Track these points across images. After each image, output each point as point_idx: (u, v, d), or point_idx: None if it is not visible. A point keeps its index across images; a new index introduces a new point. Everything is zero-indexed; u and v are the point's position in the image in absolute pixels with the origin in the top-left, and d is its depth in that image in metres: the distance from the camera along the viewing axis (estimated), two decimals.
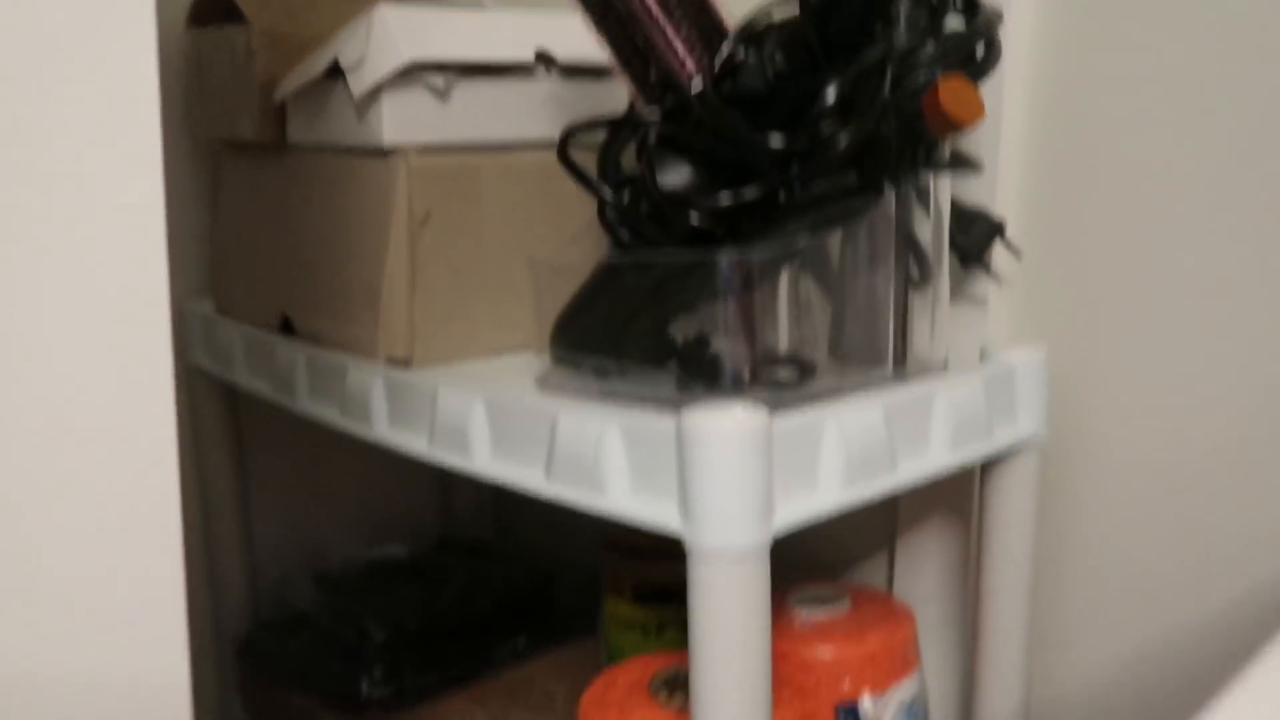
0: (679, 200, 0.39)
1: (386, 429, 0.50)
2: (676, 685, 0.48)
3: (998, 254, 0.53)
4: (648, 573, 0.62)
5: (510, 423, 0.43)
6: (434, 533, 0.91)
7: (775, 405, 0.37)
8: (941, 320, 0.47)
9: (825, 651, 0.51)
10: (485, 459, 0.44)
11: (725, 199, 0.37)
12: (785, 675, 0.50)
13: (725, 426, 0.34)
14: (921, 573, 0.61)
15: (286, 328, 0.61)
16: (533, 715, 0.70)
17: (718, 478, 0.34)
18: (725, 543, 0.35)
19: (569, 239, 0.53)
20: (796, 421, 0.37)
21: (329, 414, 0.55)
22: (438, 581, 0.74)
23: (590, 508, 0.39)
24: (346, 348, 0.54)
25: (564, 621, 0.76)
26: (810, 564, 0.68)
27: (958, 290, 0.56)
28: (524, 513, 0.93)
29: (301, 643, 0.70)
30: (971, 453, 0.45)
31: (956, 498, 0.58)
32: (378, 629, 0.67)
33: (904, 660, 0.53)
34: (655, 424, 0.37)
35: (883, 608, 0.56)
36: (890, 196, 0.40)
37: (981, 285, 0.54)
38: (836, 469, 0.38)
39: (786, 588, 0.56)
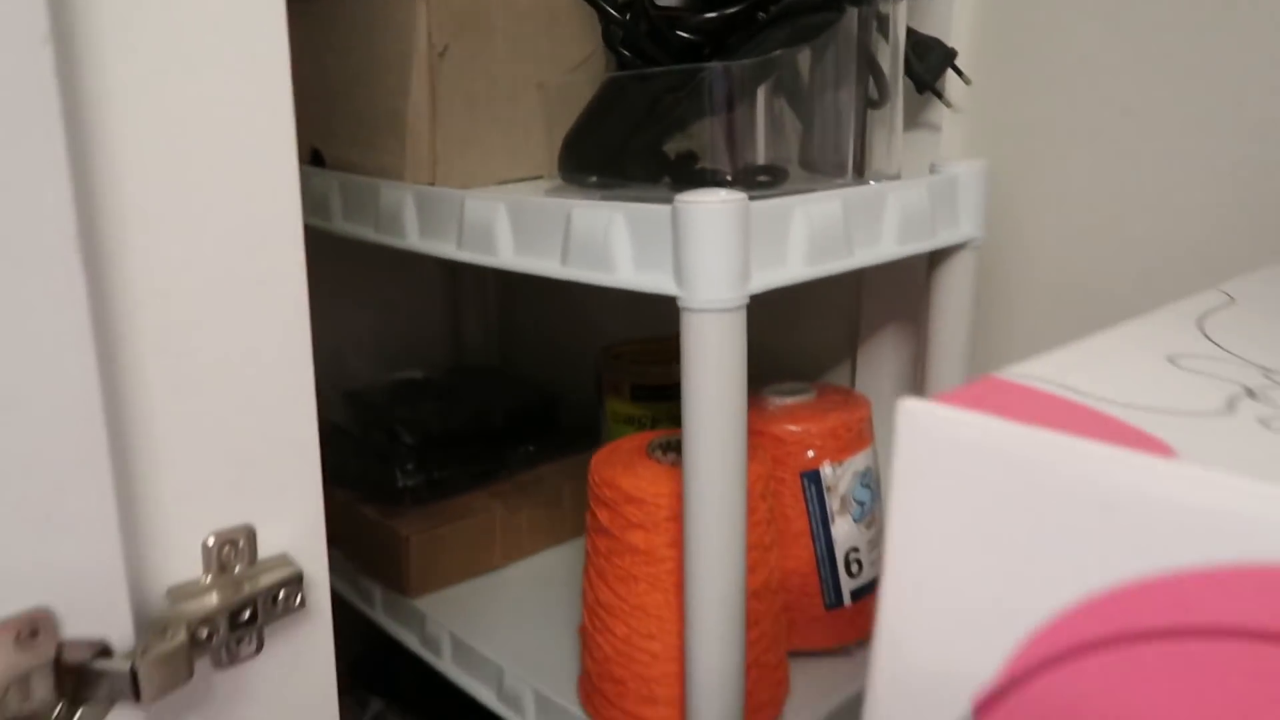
0: (672, 17, 0.46)
1: (418, 239, 0.58)
2: (670, 448, 0.57)
3: (951, 81, 0.60)
4: (643, 375, 0.71)
5: (530, 220, 0.50)
6: (445, 363, 1.00)
7: (753, 199, 0.45)
8: (896, 136, 0.55)
9: (792, 427, 0.61)
10: (509, 254, 0.52)
11: (711, 14, 0.45)
12: (759, 446, 0.59)
13: (712, 204, 0.42)
14: (878, 375, 0.71)
15: (316, 160, 0.69)
16: (541, 508, 0.80)
17: (705, 246, 0.43)
18: (712, 298, 0.43)
19: (575, 67, 0.60)
20: (769, 205, 0.45)
21: (364, 231, 0.62)
22: (454, 398, 0.84)
23: (602, 282, 0.47)
24: (375, 175, 0.62)
25: (567, 436, 0.85)
26: (784, 375, 0.78)
27: (913, 113, 0.64)
28: (525, 344, 1.02)
29: (338, 448, 0.80)
30: (916, 247, 0.53)
31: (910, 310, 0.67)
32: (406, 433, 0.77)
33: (859, 437, 0.63)
34: (654, 210, 0.45)
35: (843, 396, 0.65)
36: (852, 15, 0.47)
37: (935, 109, 0.62)
38: (801, 247, 0.47)
39: (763, 385, 0.66)
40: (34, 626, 0.28)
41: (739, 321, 0.44)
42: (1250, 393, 0.26)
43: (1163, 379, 0.27)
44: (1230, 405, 0.25)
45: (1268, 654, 0.20)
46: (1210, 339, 0.32)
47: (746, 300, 0.44)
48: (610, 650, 0.55)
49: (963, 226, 0.56)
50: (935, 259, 0.59)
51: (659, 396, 0.71)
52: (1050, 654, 0.23)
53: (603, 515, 0.55)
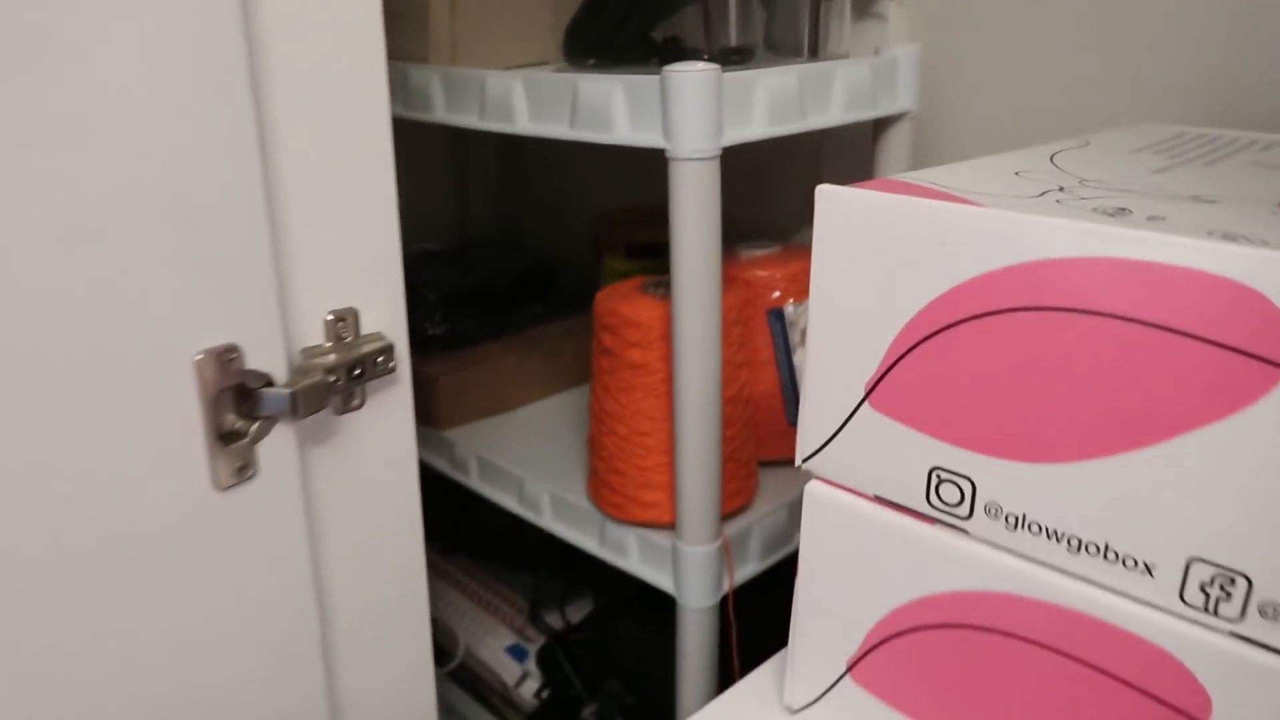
0: None
1: (444, 113, 0.69)
2: (660, 285, 0.70)
3: None
4: (636, 234, 0.83)
5: (542, 92, 0.62)
6: (454, 238, 1.12)
7: (725, 72, 0.56)
8: (845, 24, 0.66)
9: (761, 272, 0.73)
10: (525, 122, 0.63)
11: None
12: (733, 285, 0.72)
13: (693, 73, 0.54)
14: None
15: None
16: (546, 360, 0.93)
17: (688, 107, 0.54)
18: (693, 149, 0.55)
19: None
20: (738, 76, 0.57)
21: (394, 109, 0.73)
22: (467, 265, 0.95)
23: (603, 141, 0.58)
24: (401, 61, 0.72)
25: (566, 299, 0.98)
26: (755, 238, 0.90)
27: (864, 6, 0.74)
28: (525, 220, 1.14)
29: None
30: (859, 115, 0.65)
31: (860, 178, 0.79)
32: (430, 292, 0.89)
33: None
34: (646, 80, 0.56)
35: (804, 250, 0.77)
36: None
37: (882, 3, 0.73)
38: (764, 111, 0.58)
39: (737, 244, 0.78)
40: (229, 355, 0.40)
41: (714, 169, 0.56)
42: (1061, 189, 0.39)
43: (1003, 181, 0.39)
44: (1042, 194, 0.37)
45: (1038, 318, 0.33)
46: (1053, 163, 0.45)
47: (720, 151, 0.56)
48: (614, 449, 0.69)
49: (900, 100, 0.68)
50: (878, 130, 0.71)
51: (649, 253, 0.83)
52: (911, 341, 0.36)
53: (606, 339, 0.67)
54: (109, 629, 0.40)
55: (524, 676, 0.92)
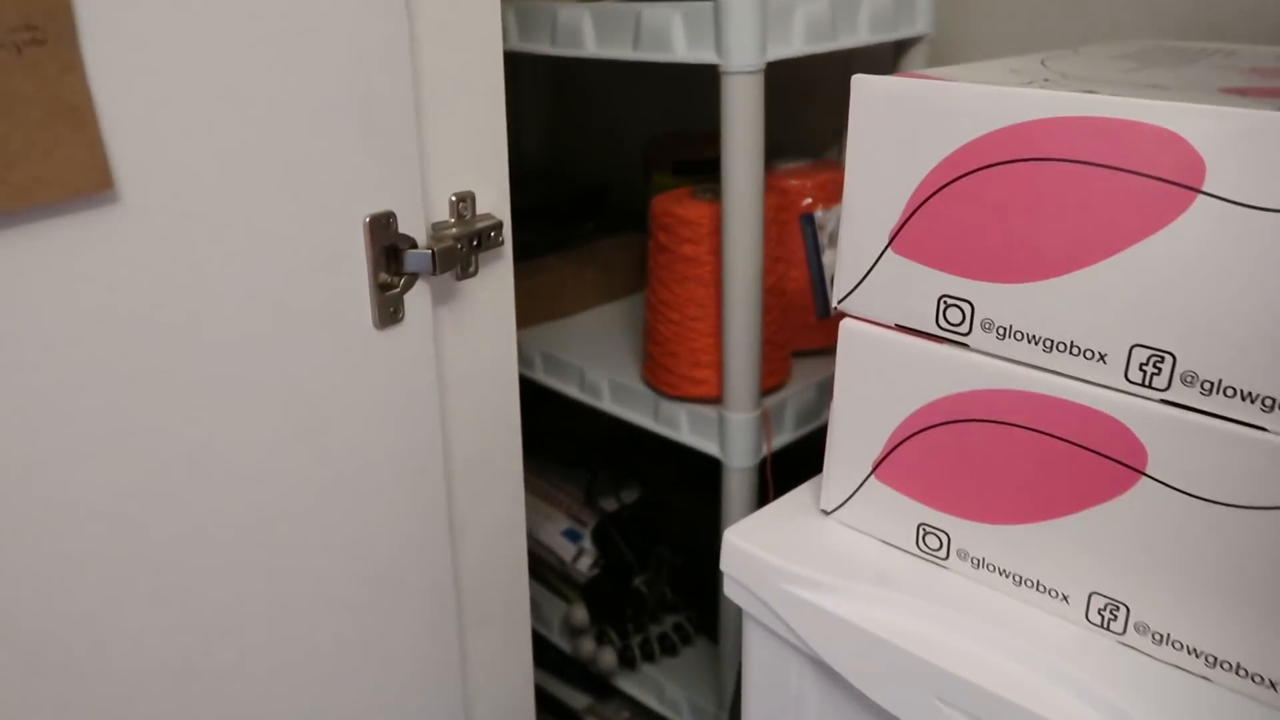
0: None
1: (517, 41, 0.79)
2: (708, 191, 0.80)
3: None
4: (682, 152, 0.93)
5: (608, 21, 0.72)
6: (511, 167, 1.22)
7: None
8: None
9: (794, 181, 0.84)
10: (592, 47, 0.73)
11: None
12: (771, 190, 0.82)
13: None
14: None
15: None
16: (601, 272, 1.04)
17: (737, 27, 0.64)
18: (742, 63, 0.65)
19: None
20: (779, 1, 0.66)
21: None
22: (525, 188, 1.06)
23: (664, 59, 0.69)
24: None
25: (618, 219, 1.08)
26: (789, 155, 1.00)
27: None
28: (577, 148, 1.24)
29: None
30: (882, 36, 0.75)
31: None
32: None
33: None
34: (702, 5, 0.66)
35: (833, 163, 0.87)
36: None
37: None
38: (801, 31, 0.68)
39: (772, 159, 0.88)
40: (388, 218, 0.51)
41: (760, 82, 0.66)
42: (1045, 80, 0.49)
43: (999, 74, 0.49)
44: (1029, 82, 0.47)
45: (1019, 168, 0.43)
46: (1043, 64, 0.55)
47: (764, 65, 0.66)
48: (669, 334, 0.80)
49: (919, 23, 0.77)
50: (898, 54, 0.80)
51: (695, 170, 0.93)
52: (924, 195, 0.46)
53: (662, 237, 0.78)
54: (296, 432, 0.51)
55: (579, 554, 1.04)
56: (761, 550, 0.53)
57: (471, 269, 0.58)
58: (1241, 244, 0.38)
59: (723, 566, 0.55)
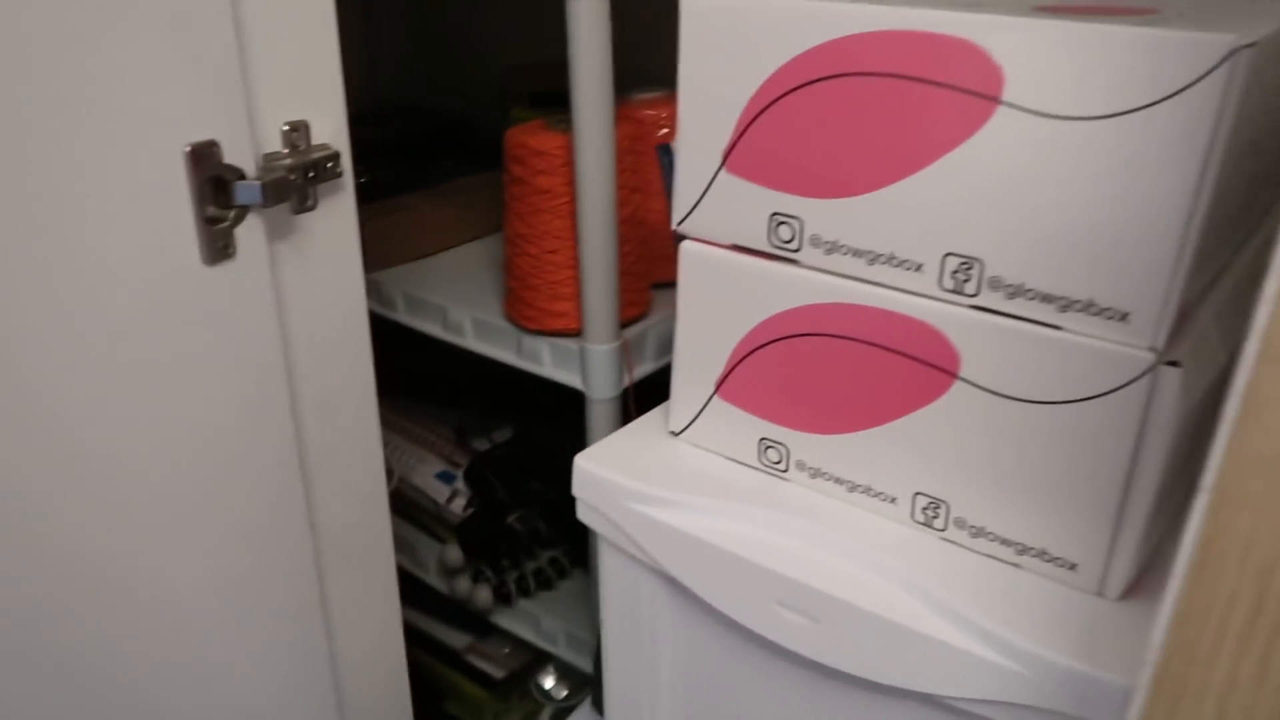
0: None
1: None
2: (561, 122, 0.79)
3: None
4: (540, 84, 0.92)
5: None
6: (369, 104, 1.19)
7: None
8: None
9: (650, 111, 0.84)
10: None
11: None
12: (625, 121, 0.82)
13: None
14: None
15: None
16: (461, 209, 1.02)
17: None
18: None
19: None
20: None
21: None
22: (383, 124, 1.03)
23: None
24: None
25: (480, 156, 1.06)
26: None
27: None
28: (435, 84, 1.21)
29: None
30: None
31: None
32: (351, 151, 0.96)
33: None
34: None
35: None
36: None
37: None
38: None
39: (629, 89, 0.87)
40: (210, 148, 0.48)
41: (604, 4, 0.66)
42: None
43: None
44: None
45: (838, 84, 0.44)
46: None
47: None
48: (527, 268, 0.79)
49: None
50: None
51: (551, 102, 0.92)
52: (754, 112, 0.47)
53: (516, 170, 0.77)
54: (127, 371, 0.49)
55: (453, 495, 1.04)
56: (609, 472, 0.54)
57: (309, 202, 0.56)
58: (1039, 152, 0.40)
59: (574, 490, 0.56)
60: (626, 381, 0.79)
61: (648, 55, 0.99)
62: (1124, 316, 0.40)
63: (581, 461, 0.55)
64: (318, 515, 0.64)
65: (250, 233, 0.53)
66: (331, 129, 0.57)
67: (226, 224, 0.51)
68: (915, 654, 0.45)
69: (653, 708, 0.60)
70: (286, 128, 0.54)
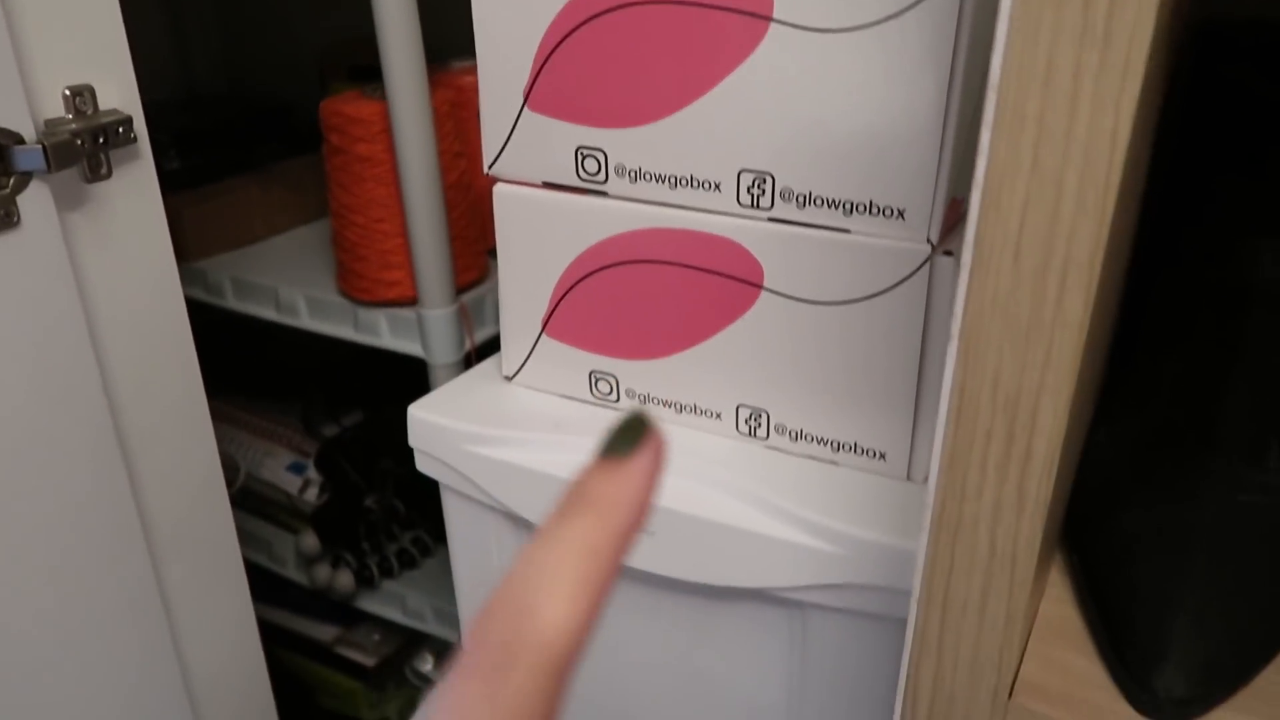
0: None
1: None
2: (376, 90, 0.78)
3: None
4: (358, 57, 0.91)
5: None
6: (182, 92, 1.14)
7: None
8: None
9: (469, 76, 0.83)
10: None
11: None
12: (443, 88, 0.82)
13: None
14: None
15: None
16: (288, 192, 1.00)
17: None
18: None
19: None
20: None
21: None
22: (200, 110, 0.99)
23: None
24: None
25: (304, 139, 1.03)
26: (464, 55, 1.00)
27: None
28: (252, 70, 1.17)
29: None
30: None
31: None
32: (161, 134, 0.92)
33: None
34: None
35: None
36: None
37: None
38: None
39: (453, 59, 0.87)
40: None
41: None
42: None
43: None
44: None
45: (630, 11, 0.45)
46: None
47: None
48: (355, 238, 0.78)
49: None
50: None
51: (370, 75, 0.91)
52: (550, 45, 0.48)
53: (336, 139, 0.76)
54: None
55: (305, 485, 1.01)
56: (445, 419, 0.55)
57: (103, 170, 0.54)
58: (812, 64, 0.43)
59: (411, 441, 0.56)
60: (468, 345, 0.79)
61: (467, 25, 0.99)
62: (900, 214, 0.43)
63: (416, 411, 0.55)
64: (146, 501, 0.61)
65: (36, 201, 0.50)
66: (121, 95, 0.55)
67: (6, 191, 0.49)
68: (747, 552, 0.47)
69: None
70: (69, 92, 0.52)
